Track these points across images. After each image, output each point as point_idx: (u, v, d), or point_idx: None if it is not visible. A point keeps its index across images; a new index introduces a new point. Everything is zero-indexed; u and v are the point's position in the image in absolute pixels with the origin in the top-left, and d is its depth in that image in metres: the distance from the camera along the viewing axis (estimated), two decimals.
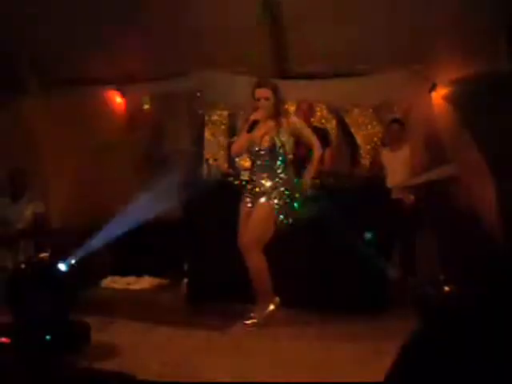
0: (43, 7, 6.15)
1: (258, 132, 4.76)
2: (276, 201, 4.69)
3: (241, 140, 4.91)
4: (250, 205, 4.82)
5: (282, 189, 4.73)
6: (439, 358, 1.05)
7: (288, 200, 4.73)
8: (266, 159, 4.78)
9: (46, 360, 3.64)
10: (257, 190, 4.80)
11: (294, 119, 4.98)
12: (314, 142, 4.92)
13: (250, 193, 4.86)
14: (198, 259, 5.68)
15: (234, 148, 4.99)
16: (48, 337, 3.78)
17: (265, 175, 4.78)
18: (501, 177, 5.38)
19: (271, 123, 4.78)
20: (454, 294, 4.23)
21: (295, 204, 4.78)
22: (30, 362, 3.58)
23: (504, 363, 1.00)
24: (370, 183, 5.67)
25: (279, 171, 4.76)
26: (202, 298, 5.46)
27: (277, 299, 4.81)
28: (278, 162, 4.76)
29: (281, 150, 4.74)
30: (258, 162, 4.83)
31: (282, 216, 4.70)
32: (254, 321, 4.71)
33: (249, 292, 4.76)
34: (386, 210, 5.49)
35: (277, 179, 4.75)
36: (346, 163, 6.92)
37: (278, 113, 4.79)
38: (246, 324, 4.70)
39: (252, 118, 4.74)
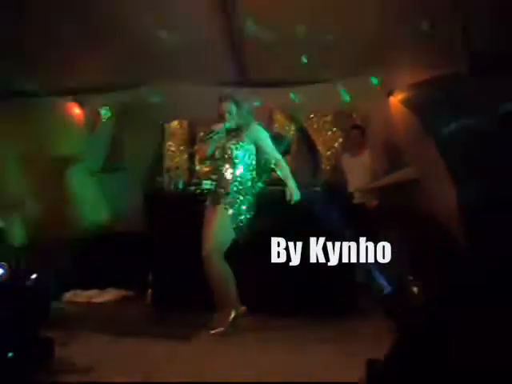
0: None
1: (219, 142, 4.83)
2: (234, 206, 4.72)
3: (204, 147, 4.97)
4: (210, 212, 4.83)
5: (240, 195, 4.75)
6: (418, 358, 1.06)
7: (245, 206, 4.75)
8: (224, 166, 4.83)
9: (10, 376, 3.56)
10: (215, 196, 4.84)
11: (256, 127, 4.97)
12: (278, 156, 4.93)
13: (210, 200, 4.89)
14: (162, 269, 5.64)
15: (200, 154, 5.25)
16: (10, 354, 3.70)
17: (222, 181, 4.83)
18: (460, 178, 5.47)
19: (233, 134, 4.85)
20: (422, 295, 4.28)
21: (251, 211, 4.81)
22: None
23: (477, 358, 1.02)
24: (331, 189, 5.70)
25: (235, 178, 4.78)
26: (167, 309, 5.42)
27: (242, 308, 4.80)
28: (235, 169, 4.79)
29: (237, 159, 4.79)
30: (216, 170, 4.92)
31: (239, 222, 4.73)
32: (221, 329, 4.68)
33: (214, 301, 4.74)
34: (348, 215, 5.52)
35: (233, 186, 4.77)
36: (307, 170, 6.94)
37: (241, 124, 4.84)
38: (212, 333, 4.67)
39: (212, 128, 4.83)
